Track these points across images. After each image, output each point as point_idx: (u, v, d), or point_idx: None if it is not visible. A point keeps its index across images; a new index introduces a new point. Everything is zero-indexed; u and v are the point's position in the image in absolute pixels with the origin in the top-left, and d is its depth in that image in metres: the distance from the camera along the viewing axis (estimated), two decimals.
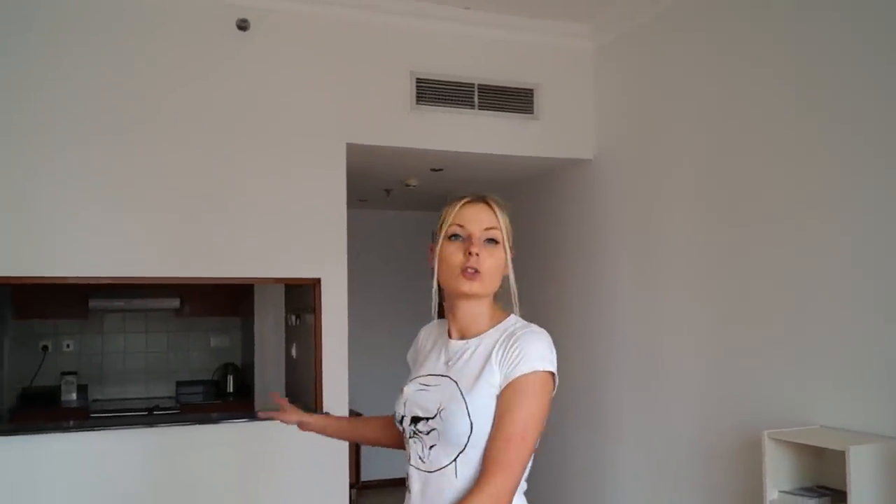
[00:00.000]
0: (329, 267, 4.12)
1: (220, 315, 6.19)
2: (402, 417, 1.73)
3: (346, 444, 4.08)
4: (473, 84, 4.39)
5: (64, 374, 5.72)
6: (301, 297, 4.53)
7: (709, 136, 3.78)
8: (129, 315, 6.06)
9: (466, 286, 1.66)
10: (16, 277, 3.68)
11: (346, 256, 4.17)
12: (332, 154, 4.14)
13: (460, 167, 4.92)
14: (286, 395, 5.26)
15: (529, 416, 1.58)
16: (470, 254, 1.64)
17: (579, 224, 4.84)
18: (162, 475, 3.73)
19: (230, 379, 6.08)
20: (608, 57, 4.61)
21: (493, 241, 1.68)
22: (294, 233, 4.05)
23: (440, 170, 5.02)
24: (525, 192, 5.42)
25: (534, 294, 5.13)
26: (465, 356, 1.68)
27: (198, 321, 6.20)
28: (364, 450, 6.44)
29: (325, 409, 3.99)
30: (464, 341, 1.71)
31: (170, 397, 6.00)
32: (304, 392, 4.49)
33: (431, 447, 1.64)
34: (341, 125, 4.16)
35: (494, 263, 1.68)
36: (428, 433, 1.65)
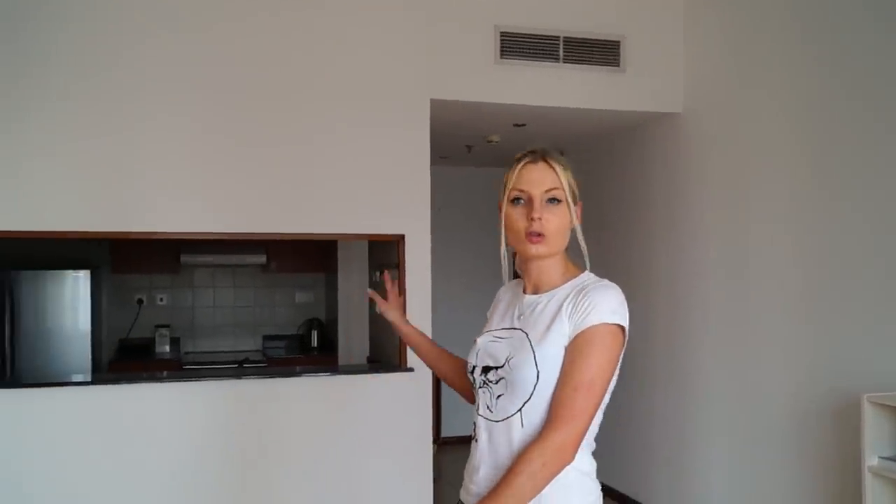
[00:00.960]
0: (413, 223, 4.13)
1: (306, 271, 6.32)
2: (474, 368, 1.76)
3: (430, 400, 4.13)
4: (558, 37, 4.28)
5: (158, 326, 5.96)
6: (385, 253, 4.57)
7: (805, 91, 3.58)
8: (218, 270, 6.26)
9: (533, 249, 1.67)
10: (113, 232, 3.83)
11: (429, 213, 4.17)
12: (415, 110, 4.12)
13: (544, 122, 4.83)
14: (369, 352, 5.36)
15: (597, 367, 1.57)
16: (532, 219, 1.65)
17: (667, 180, 4.70)
18: (248, 425, 3.86)
19: (314, 334, 6.23)
20: (699, 6, 4.41)
21: (555, 199, 1.68)
22: (378, 189, 4.07)
23: (523, 125, 4.94)
24: (611, 146, 5.29)
25: (618, 252, 5.04)
26: (538, 309, 1.69)
27: (283, 277, 6.36)
28: (444, 407, 6.52)
29: (408, 365, 4.03)
30: (536, 296, 1.72)
31: (256, 350, 6.19)
32: (387, 347, 4.55)
33: (499, 397, 1.67)
34: (425, 81, 4.13)
35: (559, 222, 1.67)
36: (497, 382, 1.68)
